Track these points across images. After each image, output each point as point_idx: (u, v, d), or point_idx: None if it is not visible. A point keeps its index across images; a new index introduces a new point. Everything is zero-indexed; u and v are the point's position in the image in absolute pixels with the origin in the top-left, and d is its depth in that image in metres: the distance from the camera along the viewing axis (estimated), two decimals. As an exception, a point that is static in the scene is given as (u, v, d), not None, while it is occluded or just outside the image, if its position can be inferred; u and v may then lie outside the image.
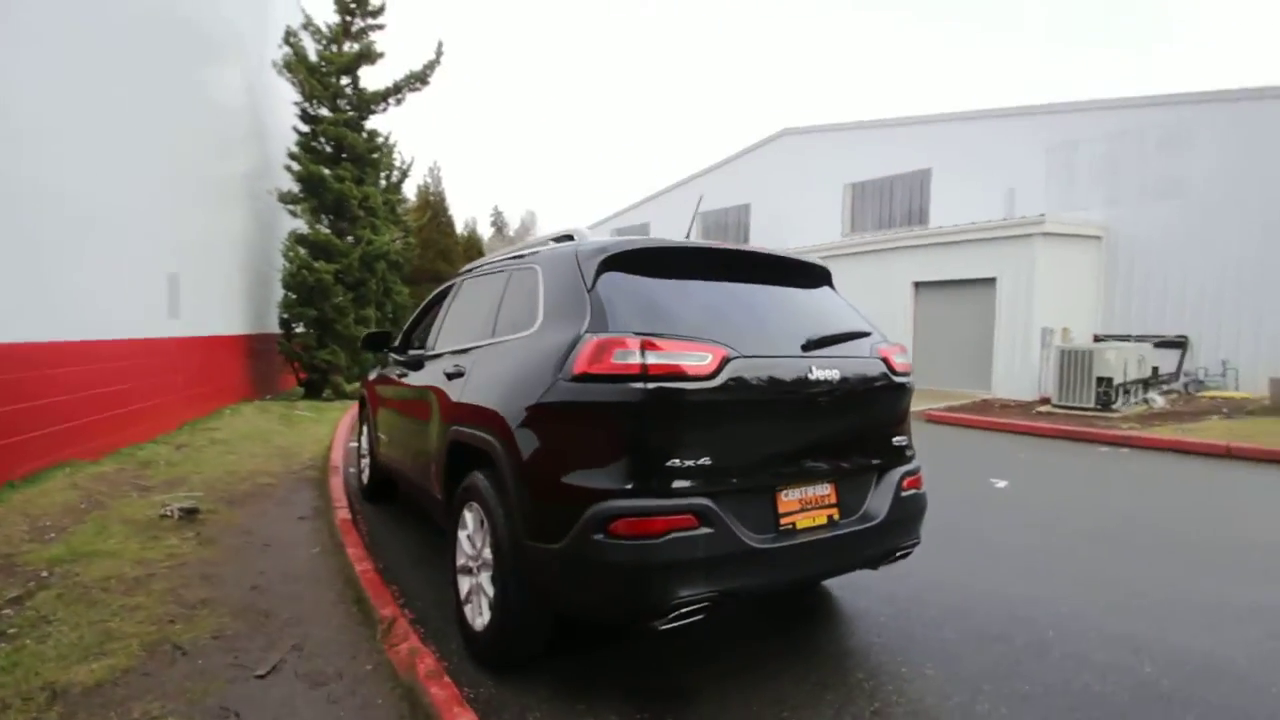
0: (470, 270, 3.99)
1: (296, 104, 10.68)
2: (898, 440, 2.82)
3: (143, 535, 4.08)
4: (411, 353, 4.11)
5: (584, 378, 2.23)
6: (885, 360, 2.76)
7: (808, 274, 3.00)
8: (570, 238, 3.21)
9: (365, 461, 5.37)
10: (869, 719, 2.32)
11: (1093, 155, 14.36)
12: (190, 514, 4.52)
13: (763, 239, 21.09)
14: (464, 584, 2.85)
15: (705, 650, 2.82)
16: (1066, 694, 2.48)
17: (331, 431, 8.03)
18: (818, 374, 2.47)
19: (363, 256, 10.74)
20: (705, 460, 2.23)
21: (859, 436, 2.68)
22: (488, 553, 2.62)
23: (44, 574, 3.40)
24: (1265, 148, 12.13)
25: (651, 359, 2.18)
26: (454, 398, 3.05)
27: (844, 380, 2.54)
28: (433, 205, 21.37)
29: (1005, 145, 15.63)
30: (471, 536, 2.77)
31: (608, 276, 2.51)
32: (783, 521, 2.38)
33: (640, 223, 26.13)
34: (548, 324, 2.59)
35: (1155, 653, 2.80)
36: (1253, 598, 3.42)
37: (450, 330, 3.80)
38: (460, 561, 2.89)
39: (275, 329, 10.72)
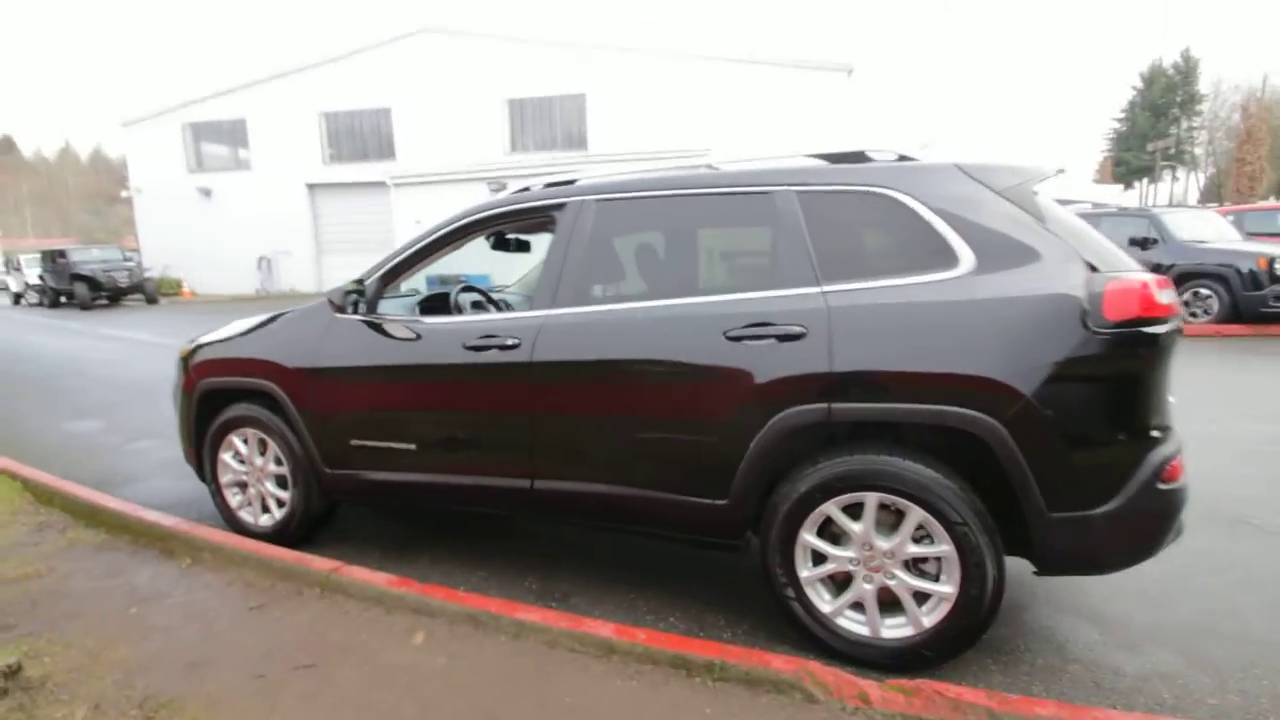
0: (587, 190, 2.78)
1: None
2: None
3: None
4: (543, 311, 2.71)
5: (1126, 323, 2.05)
6: None
7: None
8: (863, 156, 2.66)
9: (258, 491, 3.32)
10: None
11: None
12: (13, 674, 2.17)
13: (410, 151, 18.83)
14: (826, 599, 2.30)
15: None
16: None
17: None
18: None
19: None
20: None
21: None
22: (911, 547, 2.17)
23: None
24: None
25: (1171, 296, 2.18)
26: (789, 370, 2.26)
27: None
28: None
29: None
30: (863, 535, 2.23)
31: (1039, 202, 2.28)
32: None
33: (233, 117, 20.02)
34: (990, 264, 2.17)
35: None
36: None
37: (603, 281, 2.74)
38: (817, 571, 2.29)
39: None
